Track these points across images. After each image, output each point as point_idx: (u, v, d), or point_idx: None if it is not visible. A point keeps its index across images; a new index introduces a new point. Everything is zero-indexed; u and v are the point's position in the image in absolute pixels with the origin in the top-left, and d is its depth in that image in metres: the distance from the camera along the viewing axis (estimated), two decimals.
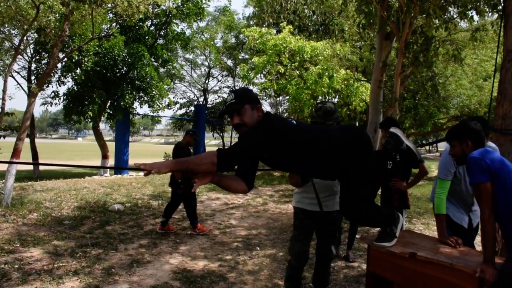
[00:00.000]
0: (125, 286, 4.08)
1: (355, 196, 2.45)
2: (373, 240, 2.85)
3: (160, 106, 15.40)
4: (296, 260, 3.32)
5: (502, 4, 5.02)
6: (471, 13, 6.44)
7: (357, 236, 6.00)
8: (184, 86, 26.34)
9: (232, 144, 2.33)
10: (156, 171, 2.02)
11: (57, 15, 8.73)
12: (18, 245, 5.24)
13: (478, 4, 6.09)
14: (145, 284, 4.17)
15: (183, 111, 24.26)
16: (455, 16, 7.26)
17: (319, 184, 3.25)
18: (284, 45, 11.16)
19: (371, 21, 8.21)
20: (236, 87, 23.87)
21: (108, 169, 15.02)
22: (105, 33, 13.21)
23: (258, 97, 2.43)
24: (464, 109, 13.49)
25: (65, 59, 12.00)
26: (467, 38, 9.40)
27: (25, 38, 8.92)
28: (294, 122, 2.41)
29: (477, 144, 2.54)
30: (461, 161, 2.62)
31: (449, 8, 6.93)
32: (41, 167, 16.61)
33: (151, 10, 13.60)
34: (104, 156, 15.14)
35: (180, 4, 15.37)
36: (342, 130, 2.50)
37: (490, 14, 6.76)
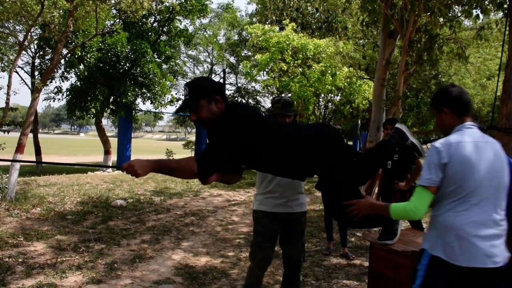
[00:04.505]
0: (127, 281, 4.11)
1: (347, 199, 2.28)
2: (376, 238, 2.86)
3: (163, 102, 15.42)
4: (259, 267, 3.07)
5: (508, 3, 5.01)
6: (476, 11, 6.41)
7: (358, 234, 6.02)
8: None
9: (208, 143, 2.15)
10: (134, 176, 1.91)
11: (61, 11, 8.73)
12: (22, 239, 5.28)
13: (483, 2, 6.06)
14: (147, 279, 4.19)
15: None
16: (459, 15, 7.23)
17: (284, 182, 3.00)
18: (287, 42, 11.15)
19: (375, 19, 8.18)
20: (233, 81, 23.89)
21: (110, 165, 15.05)
22: (108, 29, 13.21)
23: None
24: None
25: (69, 55, 12.01)
26: (471, 36, 9.36)
27: (29, 33, 8.92)
28: (263, 114, 2.30)
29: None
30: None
31: (454, 6, 6.91)
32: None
33: (155, 6, 13.58)
34: (107, 152, 15.16)
35: (183, 0, 15.36)
36: (314, 127, 2.39)
37: (495, 12, 6.73)
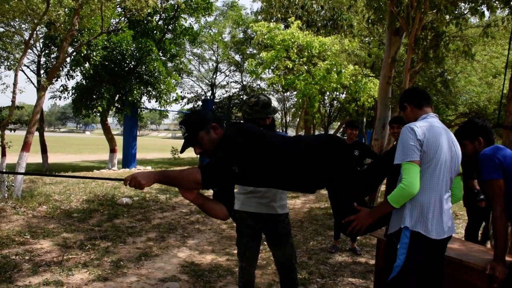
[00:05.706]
0: (133, 278, 4.13)
1: (351, 209, 2.27)
2: (382, 235, 2.85)
3: (168, 100, 15.46)
4: (250, 264, 3.06)
5: None
6: (483, 8, 6.36)
7: None
8: (192, 80, 26.41)
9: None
10: (138, 188, 1.90)
11: (67, 9, 8.76)
12: (28, 237, 5.31)
13: None
14: (153, 277, 4.20)
15: (190, 105, 24.37)
16: (465, 12, 7.18)
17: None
18: (292, 40, 11.12)
19: (381, 16, 8.14)
20: (244, 81, 23.89)
21: (116, 163, 15.13)
22: (113, 27, 13.24)
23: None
24: (473, 106, 13.34)
25: (74, 53, 12.06)
26: (478, 34, 9.30)
27: (35, 32, 8.96)
28: (263, 130, 2.30)
29: (488, 141, 2.53)
30: (472, 159, 2.61)
31: (460, 3, 6.86)
32: (50, 160, 16.75)
33: (160, 4, 13.60)
34: (112, 150, 15.23)
35: None
36: (318, 136, 2.39)
37: (501, 9, 6.68)
